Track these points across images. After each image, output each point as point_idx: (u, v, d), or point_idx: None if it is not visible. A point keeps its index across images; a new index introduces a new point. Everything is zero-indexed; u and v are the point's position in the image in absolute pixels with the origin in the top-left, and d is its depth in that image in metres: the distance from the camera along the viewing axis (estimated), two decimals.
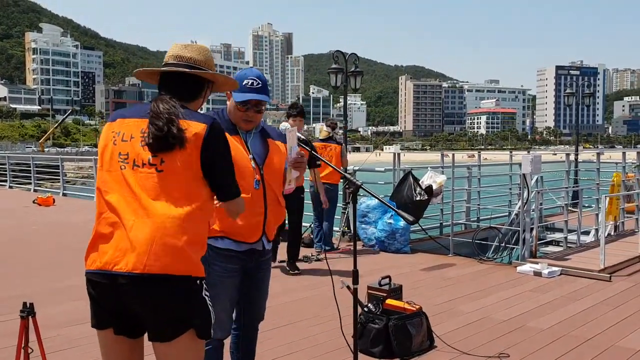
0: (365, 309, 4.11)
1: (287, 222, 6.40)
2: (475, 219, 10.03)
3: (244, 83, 2.67)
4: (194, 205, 1.97)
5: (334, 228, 8.13)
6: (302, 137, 3.24)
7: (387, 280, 4.55)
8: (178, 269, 1.92)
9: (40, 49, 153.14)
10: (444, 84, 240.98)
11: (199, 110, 2.20)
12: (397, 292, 4.51)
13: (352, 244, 8.09)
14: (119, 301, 1.94)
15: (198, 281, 1.99)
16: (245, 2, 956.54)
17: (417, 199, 7.60)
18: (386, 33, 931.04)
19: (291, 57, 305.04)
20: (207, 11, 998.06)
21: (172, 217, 1.92)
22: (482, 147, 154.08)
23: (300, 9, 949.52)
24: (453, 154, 9.54)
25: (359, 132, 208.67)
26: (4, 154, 25.09)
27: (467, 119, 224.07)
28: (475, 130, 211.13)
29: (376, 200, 8.11)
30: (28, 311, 2.98)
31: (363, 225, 8.03)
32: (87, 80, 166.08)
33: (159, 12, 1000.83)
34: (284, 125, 3.18)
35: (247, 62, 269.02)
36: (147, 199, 1.92)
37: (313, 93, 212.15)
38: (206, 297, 2.01)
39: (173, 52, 2.15)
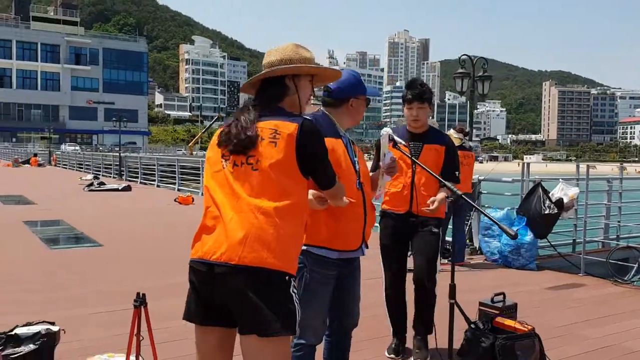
0: (472, 325, 3.89)
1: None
2: (615, 236, 9.15)
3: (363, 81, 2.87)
4: (289, 202, 2.05)
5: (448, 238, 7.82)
6: (400, 140, 3.12)
7: (500, 297, 4.30)
8: (270, 263, 1.98)
9: (192, 59, 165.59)
10: (593, 91, 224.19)
11: (306, 106, 2.31)
12: (510, 310, 4.23)
13: (472, 257, 7.81)
14: (214, 289, 2.04)
15: (287, 277, 2.04)
16: (383, 11, 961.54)
17: (546, 212, 7.12)
18: (529, 36, 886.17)
19: (427, 63, 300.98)
20: (345, 21, 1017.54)
21: (267, 212, 2.01)
22: (636, 158, 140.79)
23: (439, 15, 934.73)
24: (592, 166, 8.80)
25: (498, 140, 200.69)
26: (152, 156, 27.38)
27: (618, 128, 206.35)
28: (628, 140, 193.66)
29: (501, 212, 7.76)
30: (140, 301, 3.20)
31: (486, 239, 7.67)
32: (232, 88, 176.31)
33: (299, 24, 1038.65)
34: (385, 130, 3.11)
35: (382, 69, 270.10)
36: (245, 195, 2.04)
37: (449, 99, 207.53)
38: (294, 294, 2.06)
39: (263, 62, 2.31)
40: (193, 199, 14.90)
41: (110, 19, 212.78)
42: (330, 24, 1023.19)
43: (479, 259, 7.67)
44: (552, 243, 7.66)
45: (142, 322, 3.13)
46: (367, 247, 2.84)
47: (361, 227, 2.73)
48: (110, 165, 27.18)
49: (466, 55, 8.47)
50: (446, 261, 7.42)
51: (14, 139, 69.33)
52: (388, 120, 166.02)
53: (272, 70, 2.21)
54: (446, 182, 2.74)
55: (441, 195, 3.59)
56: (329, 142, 2.61)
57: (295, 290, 2.07)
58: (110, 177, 25.16)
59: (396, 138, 3.02)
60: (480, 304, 4.30)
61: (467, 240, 8.19)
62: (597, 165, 9.05)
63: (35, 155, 38.04)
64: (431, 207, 3.58)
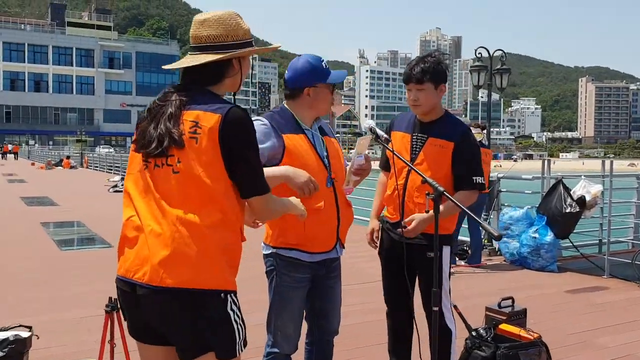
0: (474, 332, 3.63)
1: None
2: None
3: (324, 66, 2.52)
4: (217, 209, 1.76)
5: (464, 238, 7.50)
6: (382, 133, 2.86)
7: (509, 301, 4.02)
8: (196, 282, 1.73)
9: None
10: (632, 86, 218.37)
11: (242, 83, 1.97)
12: (519, 316, 3.96)
13: (491, 258, 7.47)
14: (140, 311, 1.81)
15: (222, 294, 1.77)
16: (415, 9, 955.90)
17: (567, 211, 6.76)
18: (566, 32, 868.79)
19: (460, 60, 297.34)
20: (377, 20, 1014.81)
21: (190, 224, 1.73)
22: None
23: (472, 13, 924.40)
24: (633, 163, 8.36)
25: (532, 138, 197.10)
26: None
27: None
28: None
29: (521, 210, 7.41)
30: (112, 306, 3.06)
31: (505, 239, 7.33)
32: (263, 90, 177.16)
33: (329, 24, 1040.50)
34: (367, 123, 2.87)
35: None
36: (165, 204, 1.76)
37: (482, 97, 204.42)
38: (232, 313, 1.78)
39: (191, 33, 1.91)
40: None
41: (144, 23, 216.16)
42: (362, 22, 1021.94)
43: (497, 260, 7.34)
44: (574, 243, 7.27)
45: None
46: (342, 247, 2.63)
47: (334, 228, 2.52)
48: None
49: (483, 47, 8.17)
50: (463, 263, 7.13)
51: (50, 142, 71.02)
52: None
53: (235, 53, 1.87)
54: (427, 178, 2.45)
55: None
56: (288, 138, 2.42)
57: (235, 308, 1.81)
58: None
59: (378, 131, 2.76)
60: (487, 308, 4.04)
61: (486, 241, 7.85)
62: (637, 163, 8.59)
63: (68, 157, 38.73)
64: (408, 228, 2.80)
